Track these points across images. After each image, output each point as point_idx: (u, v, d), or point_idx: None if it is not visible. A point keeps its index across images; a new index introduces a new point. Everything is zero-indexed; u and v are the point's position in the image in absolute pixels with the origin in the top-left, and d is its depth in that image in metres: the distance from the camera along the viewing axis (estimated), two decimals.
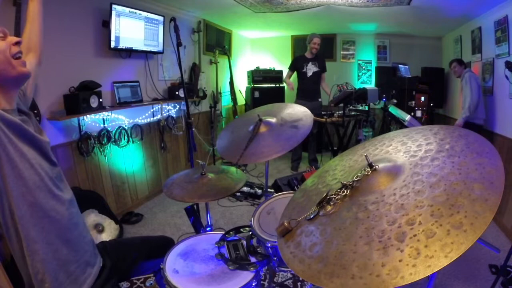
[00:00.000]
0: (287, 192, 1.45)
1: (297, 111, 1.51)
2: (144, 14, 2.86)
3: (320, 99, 4.24)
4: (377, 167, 0.72)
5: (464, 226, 0.50)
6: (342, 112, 3.67)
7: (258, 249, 1.11)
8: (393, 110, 3.07)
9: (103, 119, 2.65)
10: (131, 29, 2.74)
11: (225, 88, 4.76)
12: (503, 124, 2.82)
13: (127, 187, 3.03)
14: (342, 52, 5.29)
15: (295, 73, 4.22)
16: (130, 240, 1.33)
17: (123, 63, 2.89)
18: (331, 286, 0.55)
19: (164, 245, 1.31)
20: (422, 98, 4.29)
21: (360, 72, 5.28)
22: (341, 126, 3.95)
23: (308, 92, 4.15)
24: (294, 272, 0.64)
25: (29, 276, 0.87)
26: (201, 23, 4.03)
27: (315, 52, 4.08)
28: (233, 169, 1.54)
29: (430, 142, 0.74)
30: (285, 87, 5.25)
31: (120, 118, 2.87)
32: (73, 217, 0.98)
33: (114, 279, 1.10)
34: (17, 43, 0.90)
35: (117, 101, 2.76)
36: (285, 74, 5.31)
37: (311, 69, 4.13)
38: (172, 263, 1.08)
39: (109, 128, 2.72)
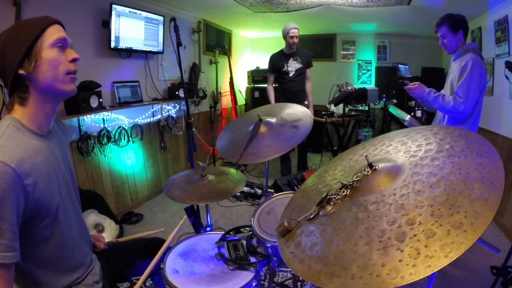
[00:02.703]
0: (287, 192, 1.45)
1: (297, 111, 1.51)
2: (144, 14, 2.86)
3: (306, 102, 3.55)
4: (377, 167, 0.72)
5: (464, 226, 0.50)
6: (342, 112, 3.67)
7: (258, 249, 1.11)
8: (393, 110, 3.08)
9: (103, 119, 2.65)
10: (131, 29, 2.74)
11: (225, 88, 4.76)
12: (503, 124, 2.82)
13: (127, 187, 3.03)
14: (342, 52, 5.29)
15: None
16: (124, 242, 1.33)
17: (123, 63, 2.89)
18: (331, 286, 0.55)
19: (156, 245, 1.32)
20: None
21: (360, 72, 5.28)
22: (341, 126, 3.95)
23: (291, 95, 3.44)
24: (294, 272, 0.64)
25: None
26: (201, 23, 4.03)
27: (294, 46, 3.36)
28: (233, 171, 1.54)
29: (430, 142, 0.74)
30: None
31: (120, 118, 2.87)
32: None
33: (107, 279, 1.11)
34: (74, 60, 0.87)
35: (117, 101, 2.76)
36: None
37: (293, 66, 3.43)
38: (172, 263, 1.08)
39: (109, 128, 2.72)
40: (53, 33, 0.83)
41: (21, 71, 0.80)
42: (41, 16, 0.85)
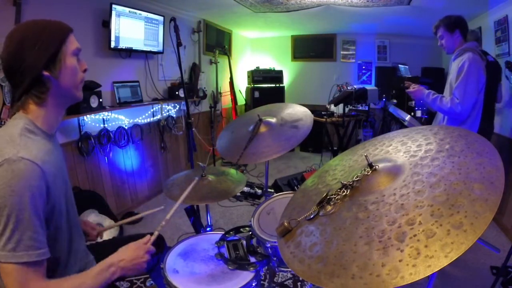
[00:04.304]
0: (287, 192, 1.45)
1: (297, 111, 1.51)
2: (144, 14, 2.86)
3: None
4: (377, 167, 0.72)
5: (464, 226, 0.50)
6: (342, 112, 3.67)
7: (258, 249, 1.11)
8: (393, 110, 3.08)
9: (103, 119, 2.65)
10: (131, 29, 2.74)
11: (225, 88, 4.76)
12: (503, 124, 2.82)
13: (127, 187, 3.03)
14: (342, 52, 5.29)
15: None
16: (122, 238, 1.33)
17: (123, 63, 2.89)
18: (331, 286, 0.55)
19: (158, 245, 1.32)
20: None
21: (360, 72, 5.28)
22: (341, 126, 3.95)
23: None
24: (294, 272, 0.64)
25: None
26: (201, 23, 4.03)
27: None
28: (233, 171, 1.54)
29: (430, 142, 0.74)
30: (285, 87, 5.26)
31: (120, 118, 2.87)
32: None
33: None
34: (85, 70, 0.92)
35: (117, 101, 2.75)
36: (285, 74, 5.34)
37: None
38: (172, 263, 1.09)
39: (109, 128, 2.71)
40: (73, 42, 0.87)
41: (45, 72, 0.81)
42: (58, 21, 0.87)
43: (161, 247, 1.32)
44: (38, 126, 0.85)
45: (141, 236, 1.27)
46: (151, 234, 1.06)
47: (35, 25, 0.83)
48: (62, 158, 0.98)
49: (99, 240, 1.23)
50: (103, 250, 1.19)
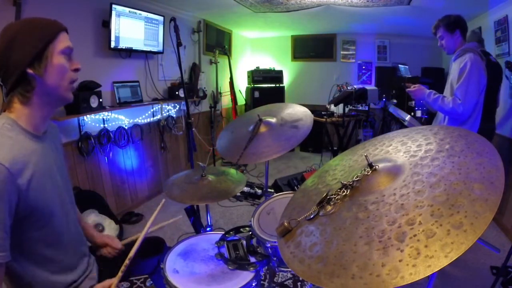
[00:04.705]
0: (287, 192, 1.45)
1: (297, 111, 1.51)
2: (144, 14, 2.86)
3: None
4: (377, 167, 0.72)
5: (464, 226, 0.50)
6: (342, 112, 3.67)
7: (258, 249, 1.11)
8: (393, 110, 3.08)
9: (103, 119, 2.65)
10: (131, 29, 2.74)
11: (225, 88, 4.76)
12: (503, 124, 2.82)
13: (127, 187, 3.03)
14: (342, 52, 5.29)
15: None
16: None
17: (123, 63, 2.89)
18: (331, 286, 0.55)
19: (155, 244, 1.32)
20: None
21: (360, 72, 5.28)
22: (341, 126, 3.95)
23: None
24: (294, 272, 0.64)
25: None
26: (201, 23, 4.03)
27: None
28: (233, 171, 1.54)
29: (430, 142, 0.73)
30: (285, 87, 5.26)
31: (120, 118, 2.87)
32: None
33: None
34: (77, 70, 0.89)
35: (117, 101, 2.76)
36: (285, 74, 5.34)
37: None
38: (172, 263, 1.08)
39: (109, 128, 2.72)
40: (63, 40, 0.85)
41: (29, 70, 0.80)
42: (52, 20, 0.85)
43: (160, 248, 1.33)
44: (21, 125, 0.83)
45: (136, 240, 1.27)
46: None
47: (28, 23, 0.82)
48: (60, 158, 0.97)
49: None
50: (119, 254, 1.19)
